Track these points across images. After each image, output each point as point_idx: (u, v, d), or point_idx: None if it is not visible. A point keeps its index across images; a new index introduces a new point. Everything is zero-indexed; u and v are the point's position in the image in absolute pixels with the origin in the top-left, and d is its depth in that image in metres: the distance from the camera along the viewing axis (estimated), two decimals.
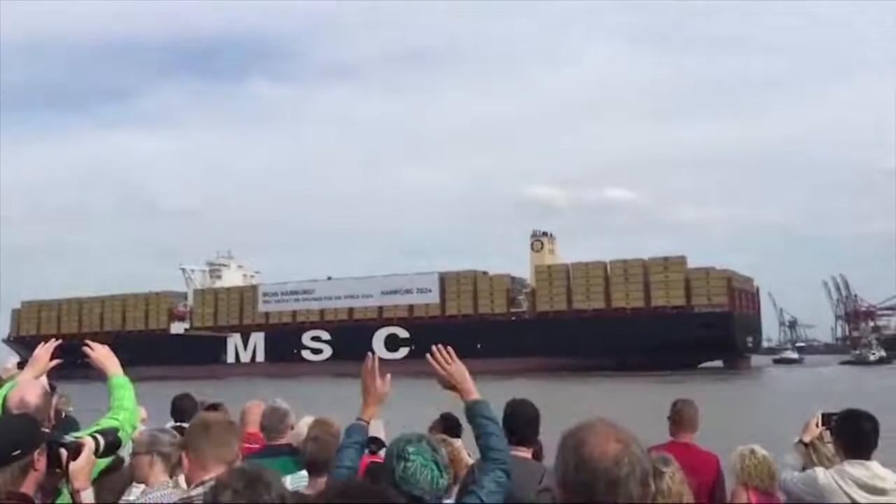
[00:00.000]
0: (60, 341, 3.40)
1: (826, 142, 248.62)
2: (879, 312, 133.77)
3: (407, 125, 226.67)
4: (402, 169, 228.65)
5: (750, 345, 74.97)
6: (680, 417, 4.59)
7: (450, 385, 2.74)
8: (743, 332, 70.89)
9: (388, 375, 2.93)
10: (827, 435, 3.75)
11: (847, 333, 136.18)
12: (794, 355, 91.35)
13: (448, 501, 2.57)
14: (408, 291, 77.77)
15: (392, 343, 76.16)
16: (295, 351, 78.29)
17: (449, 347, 2.80)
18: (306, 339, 79.49)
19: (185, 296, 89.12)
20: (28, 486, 2.21)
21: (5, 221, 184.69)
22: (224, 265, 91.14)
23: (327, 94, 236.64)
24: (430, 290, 77.13)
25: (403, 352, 75.15)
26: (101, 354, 3.10)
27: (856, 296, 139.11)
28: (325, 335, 78.85)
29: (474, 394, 2.74)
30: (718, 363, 66.06)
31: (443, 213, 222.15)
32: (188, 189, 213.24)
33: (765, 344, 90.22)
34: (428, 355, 2.80)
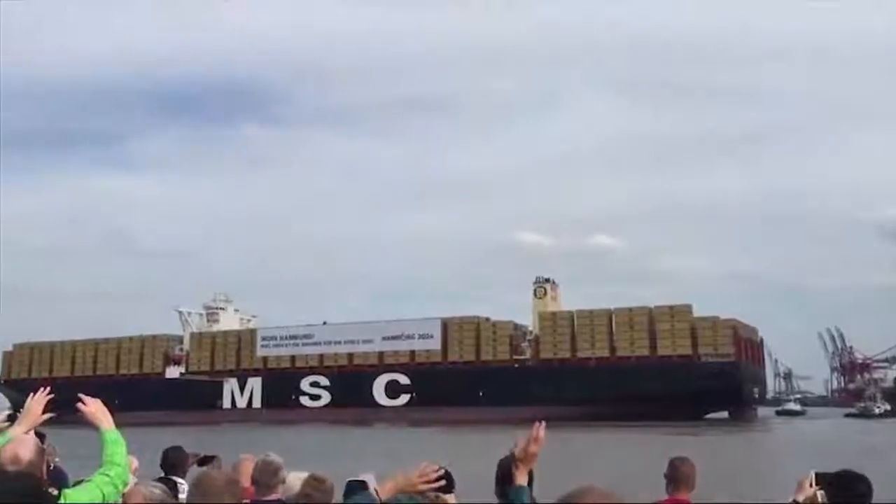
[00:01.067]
0: (52, 394, 3.42)
1: (818, 194, 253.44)
2: (875, 365, 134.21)
3: (398, 171, 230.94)
4: (393, 214, 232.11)
5: (756, 395, 74.28)
6: (677, 475, 4.58)
7: (520, 458, 2.86)
8: (749, 382, 70.31)
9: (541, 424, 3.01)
10: (821, 495, 3.72)
11: (843, 386, 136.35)
12: (797, 407, 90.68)
13: None
14: (409, 337, 77.39)
15: (392, 390, 75.44)
16: (293, 397, 77.51)
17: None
18: (305, 384, 78.80)
19: (181, 339, 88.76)
20: None
21: None
22: (221, 308, 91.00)
23: (318, 139, 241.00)
24: (431, 336, 76.75)
25: (404, 398, 74.45)
26: (95, 409, 3.12)
27: (851, 348, 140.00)
28: (325, 381, 78.20)
29: (524, 481, 2.90)
30: (724, 414, 65.21)
31: (430, 259, 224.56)
32: (177, 233, 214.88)
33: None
34: (538, 426, 2.95)
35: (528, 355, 74.08)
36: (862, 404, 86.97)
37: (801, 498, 3.78)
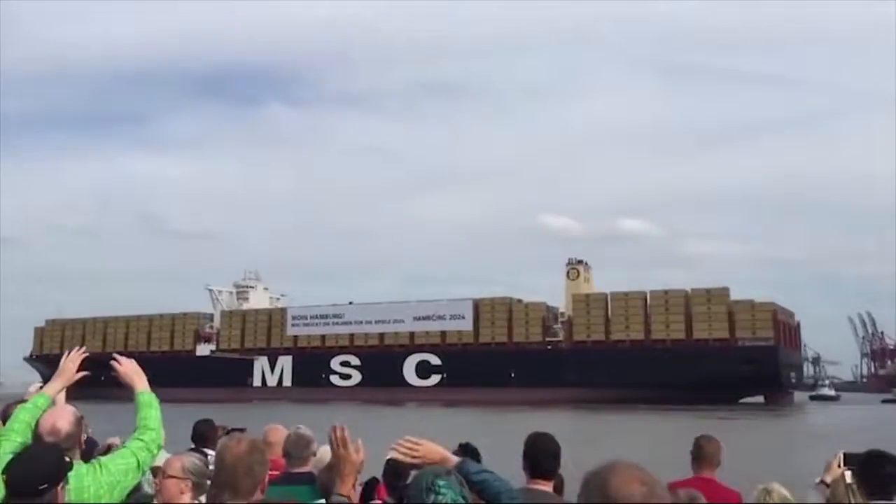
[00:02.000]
0: (87, 352, 3.41)
1: (851, 180, 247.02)
2: None
3: (425, 155, 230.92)
4: (420, 198, 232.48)
5: (793, 380, 73.16)
6: (702, 453, 4.65)
7: (428, 465, 2.73)
8: (787, 367, 69.19)
9: (360, 440, 2.90)
10: (849, 475, 3.75)
11: (873, 371, 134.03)
12: (832, 392, 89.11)
13: None
14: (440, 318, 77.72)
15: (423, 370, 76.01)
16: (323, 376, 78.60)
17: (407, 437, 2.79)
18: (335, 363, 79.82)
19: (211, 317, 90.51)
20: None
21: (22, 244, 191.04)
22: (251, 287, 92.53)
23: (344, 122, 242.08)
24: (463, 317, 76.95)
25: (435, 379, 74.98)
26: (130, 369, 3.11)
27: (882, 333, 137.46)
28: (355, 360, 79.10)
29: (453, 459, 2.77)
30: (760, 399, 64.34)
31: (456, 243, 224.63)
32: (207, 214, 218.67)
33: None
34: (391, 450, 2.78)
35: (560, 337, 73.86)
36: None
37: (828, 478, 3.85)
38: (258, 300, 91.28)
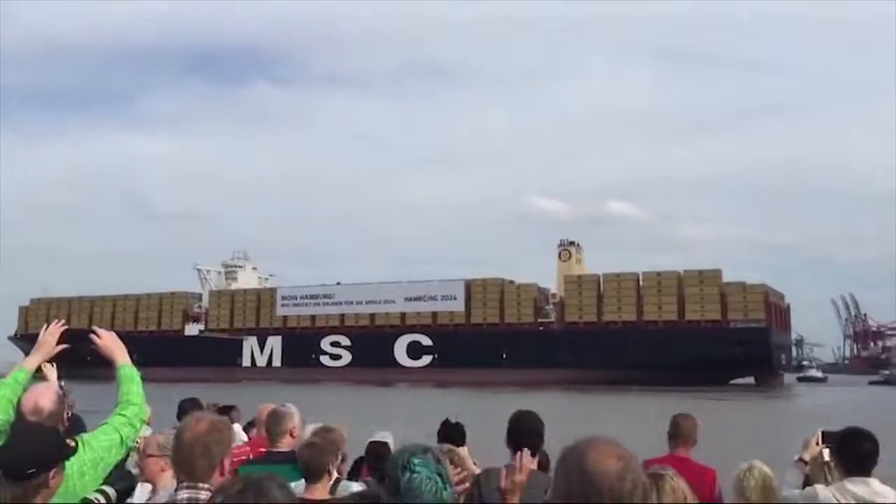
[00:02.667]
0: (66, 325, 3.38)
1: (839, 165, 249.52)
2: (889, 332, 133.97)
3: (415, 137, 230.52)
4: (410, 179, 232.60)
5: (783, 362, 73.93)
6: (678, 431, 4.72)
7: (508, 490, 2.86)
8: (778, 349, 69.91)
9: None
10: (827, 453, 3.87)
11: (856, 353, 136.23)
12: (819, 374, 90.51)
13: None
14: (432, 298, 77.83)
15: (414, 351, 76.28)
16: (313, 356, 78.77)
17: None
18: (325, 344, 79.97)
19: (199, 297, 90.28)
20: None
21: (5, 223, 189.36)
22: (240, 266, 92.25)
23: (332, 101, 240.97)
24: (454, 298, 77.10)
25: (426, 360, 75.29)
26: (110, 342, 3.07)
27: (865, 315, 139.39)
28: (346, 341, 79.25)
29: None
30: (750, 380, 65.06)
31: (445, 225, 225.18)
32: (192, 194, 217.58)
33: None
34: (520, 455, 2.91)
35: (552, 318, 74.21)
36: (887, 371, 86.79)
37: (807, 456, 3.97)
38: (247, 280, 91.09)
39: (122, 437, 2.83)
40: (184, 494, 2.37)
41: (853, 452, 3.70)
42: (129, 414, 2.90)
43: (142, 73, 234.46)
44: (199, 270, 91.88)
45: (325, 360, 79.18)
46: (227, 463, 2.50)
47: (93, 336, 3.05)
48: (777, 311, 71.11)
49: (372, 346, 75.89)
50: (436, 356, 74.51)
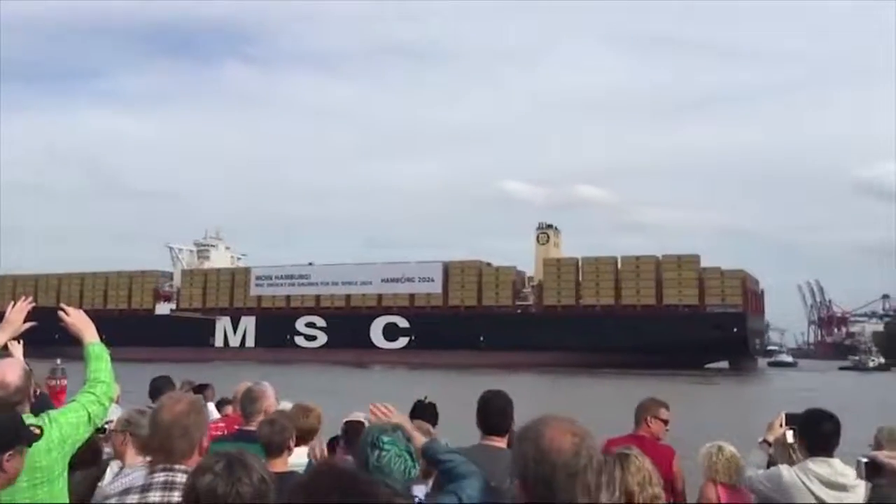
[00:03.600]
0: (34, 303, 3.35)
1: (804, 152, 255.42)
2: (853, 319, 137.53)
3: (388, 119, 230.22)
4: (382, 161, 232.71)
5: (758, 347, 75.44)
6: (638, 412, 4.88)
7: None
8: (753, 333, 71.31)
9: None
10: (790, 435, 3.98)
11: (820, 338, 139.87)
12: (789, 359, 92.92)
13: (419, 490, 2.70)
14: (409, 280, 77.89)
15: (391, 332, 76.40)
16: (288, 337, 78.55)
17: (385, 404, 2.96)
18: (300, 325, 79.76)
19: (171, 276, 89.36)
20: None
21: None
22: (212, 245, 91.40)
23: (304, 81, 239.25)
24: (432, 280, 77.23)
25: (403, 342, 75.48)
26: (78, 319, 3.06)
27: (830, 301, 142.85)
28: (321, 322, 79.10)
29: (421, 438, 2.86)
30: (724, 364, 66.34)
31: (415, 206, 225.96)
32: (162, 172, 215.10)
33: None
34: (371, 407, 2.94)
35: (530, 301, 74.71)
36: (856, 357, 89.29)
37: (770, 437, 4.08)
38: (219, 259, 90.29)
39: (90, 415, 2.82)
40: (160, 476, 2.36)
41: (816, 433, 3.80)
42: (98, 392, 2.88)
43: (111, 49, 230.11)
44: (170, 249, 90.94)
45: (299, 340, 79.01)
46: (205, 443, 2.50)
47: (61, 313, 3.02)
48: (752, 297, 72.41)
49: (348, 327, 75.85)
50: (412, 338, 74.72)
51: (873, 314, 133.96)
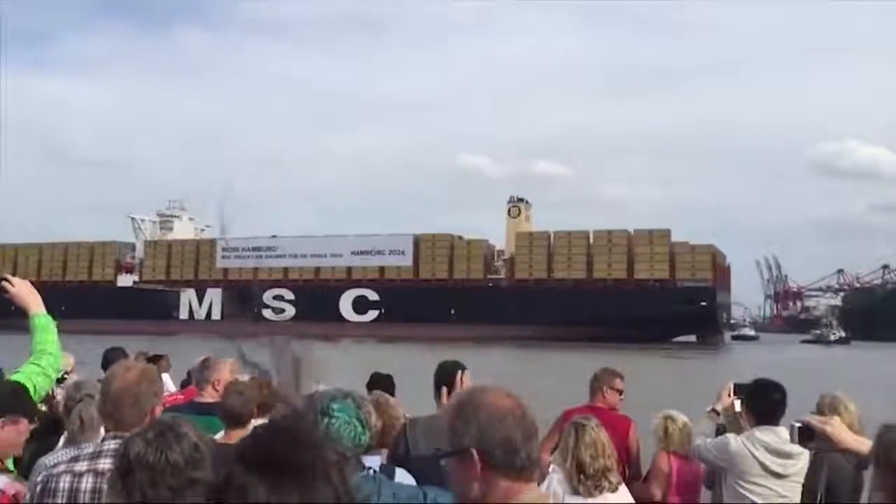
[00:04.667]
0: None
1: (760, 128, 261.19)
2: (808, 293, 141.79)
3: (341, 89, 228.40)
4: (337, 132, 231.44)
5: (724, 321, 77.20)
6: (593, 383, 5.00)
7: None
8: (721, 307, 72.94)
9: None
10: (738, 404, 4.12)
11: (776, 312, 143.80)
12: (752, 332, 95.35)
13: (373, 461, 2.71)
14: (379, 252, 77.75)
15: (361, 305, 76.41)
16: (255, 310, 78.07)
17: None
18: (268, 297, 79.25)
19: (133, 247, 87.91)
20: None
21: None
22: (176, 216, 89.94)
23: (257, 50, 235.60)
24: (403, 253, 77.20)
25: (373, 314, 75.59)
26: (23, 290, 3.01)
27: (786, 276, 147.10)
28: (289, 294, 78.71)
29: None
30: (692, 338, 67.77)
31: (374, 180, 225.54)
32: (112, 140, 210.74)
33: None
34: None
35: (502, 275, 75.17)
36: (818, 331, 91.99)
37: (719, 407, 4.23)
38: (183, 230, 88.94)
39: (34, 387, 2.79)
40: (111, 444, 2.37)
41: (763, 402, 3.94)
42: (44, 364, 2.87)
43: (56, 11, 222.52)
44: (132, 219, 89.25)
45: (267, 313, 78.53)
46: (158, 412, 2.51)
47: (5, 284, 2.99)
48: (721, 271, 73.93)
49: (316, 299, 75.63)
50: (383, 311, 74.85)
51: (828, 288, 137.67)
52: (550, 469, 3.76)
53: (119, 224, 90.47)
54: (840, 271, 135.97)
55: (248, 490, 1.13)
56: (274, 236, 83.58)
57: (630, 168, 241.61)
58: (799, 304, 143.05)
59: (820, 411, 4.06)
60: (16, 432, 2.61)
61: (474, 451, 1.69)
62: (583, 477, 3.51)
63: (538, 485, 1.99)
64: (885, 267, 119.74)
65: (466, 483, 1.72)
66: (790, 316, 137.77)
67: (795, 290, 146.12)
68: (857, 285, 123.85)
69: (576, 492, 3.51)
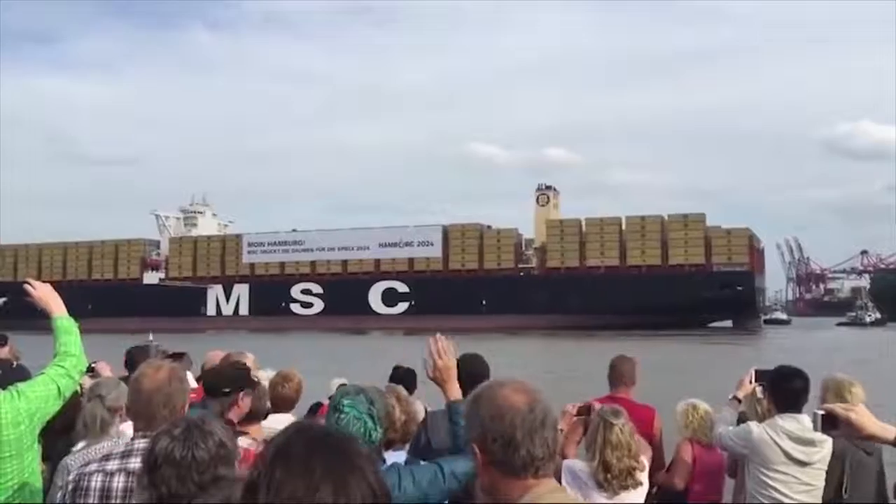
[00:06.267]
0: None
1: (771, 112, 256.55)
2: (830, 275, 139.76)
3: (352, 82, 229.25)
4: (347, 124, 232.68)
5: (760, 305, 76.52)
6: (613, 374, 4.98)
7: (436, 378, 2.88)
8: (759, 291, 72.31)
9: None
10: (759, 391, 4.16)
11: (799, 296, 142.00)
12: (784, 316, 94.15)
13: (397, 456, 2.83)
14: (408, 244, 78.03)
15: (390, 298, 76.81)
16: (283, 304, 78.96)
17: (446, 340, 2.90)
18: (295, 292, 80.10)
19: (157, 244, 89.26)
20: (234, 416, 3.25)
21: None
22: (199, 212, 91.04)
23: (268, 45, 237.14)
24: (431, 244, 77.36)
25: (402, 307, 75.94)
26: (44, 293, 3.10)
27: (808, 259, 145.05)
28: (317, 288, 79.43)
29: (457, 394, 2.88)
30: (728, 323, 66.97)
31: (383, 171, 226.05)
32: (123, 138, 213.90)
33: None
34: (429, 339, 2.89)
35: (533, 264, 74.98)
36: (853, 313, 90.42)
37: (741, 394, 4.28)
38: (207, 226, 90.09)
39: (59, 388, 2.88)
40: (141, 443, 2.44)
41: (785, 389, 3.93)
42: (68, 365, 2.95)
43: (65, 11, 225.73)
44: (157, 216, 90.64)
45: (295, 308, 79.43)
46: (185, 411, 2.59)
47: (27, 287, 3.08)
48: (756, 255, 73.06)
49: (345, 293, 76.20)
50: (412, 303, 75.13)
51: (853, 270, 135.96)
52: (570, 461, 3.79)
53: (140, 223, 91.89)
54: (864, 252, 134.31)
55: (282, 487, 1.13)
56: (294, 230, 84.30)
57: (640, 154, 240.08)
58: (822, 286, 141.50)
59: (824, 395, 4.03)
60: (250, 403, 3.35)
61: (475, 446, 1.76)
62: (609, 476, 3.62)
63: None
64: None
65: (480, 472, 1.79)
66: (813, 299, 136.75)
67: (818, 272, 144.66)
68: (882, 266, 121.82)
69: (600, 487, 3.61)
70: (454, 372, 2.87)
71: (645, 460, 3.80)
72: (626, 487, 3.61)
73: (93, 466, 2.44)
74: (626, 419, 3.75)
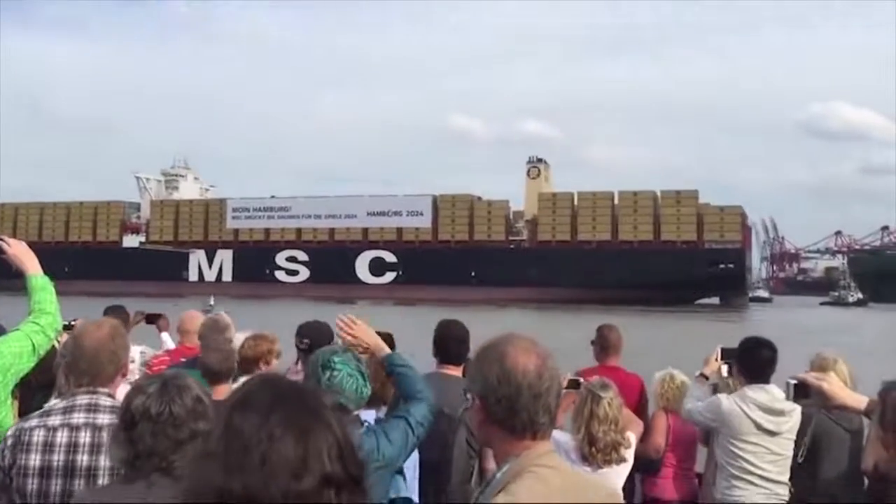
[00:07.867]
0: None
1: (747, 91, 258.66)
2: (804, 255, 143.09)
3: (331, 51, 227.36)
4: (325, 94, 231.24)
5: (748, 282, 78.00)
6: (605, 343, 5.05)
7: (360, 349, 3.00)
8: (748, 269, 73.37)
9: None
10: (724, 369, 4.26)
11: (772, 274, 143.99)
12: (766, 294, 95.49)
13: (368, 415, 2.90)
14: (396, 213, 77.89)
15: (377, 267, 76.85)
16: (267, 271, 78.83)
17: (349, 315, 3.09)
18: (280, 259, 79.93)
19: (138, 207, 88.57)
20: None
21: None
22: (181, 175, 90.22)
23: (243, 11, 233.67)
24: (421, 214, 77.27)
25: (390, 276, 76.07)
26: (19, 251, 3.13)
27: (783, 238, 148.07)
28: (303, 256, 79.30)
29: (385, 349, 3.05)
30: (715, 300, 67.75)
31: (360, 141, 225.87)
32: (95, 102, 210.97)
33: None
34: (337, 320, 3.06)
35: (524, 236, 75.16)
36: (836, 293, 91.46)
37: (707, 371, 4.37)
38: (188, 190, 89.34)
39: (34, 345, 2.91)
40: (83, 399, 2.48)
41: (752, 360, 4.03)
42: (43, 322, 2.98)
43: None
44: (137, 178, 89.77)
45: (280, 275, 79.32)
46: (127, 366, 2.67)
47: (1, 244, 3.10)
48: (747, 233, 74.10)
49: (332, 261, 76.13)
50: (400, 273, 75.25)
51: (827, 250, 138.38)
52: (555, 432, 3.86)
53: (117, 185, 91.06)
54: (838, 233, 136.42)
55: (246, 434, 1.13)
56: (273, 197, 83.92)
57: (619, 130, 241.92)
58: (796, 266, 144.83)
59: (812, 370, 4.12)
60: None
61: (477, 399, 1.77)
62: (594, 450, 3.68)
63: None
64: (885, 228, 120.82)
65: (477, 423, 1.82)
66: (787, 277, 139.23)
67: (793, 252, 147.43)
68: (857, 247, 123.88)
69: (584, 461, 3.68)
70: (371, 335, 3.04)
71: (633, 437, 3.86)
72: (609, 462, 3.66)
73: (33, 422, 2.47)
74: (616, 393, 3.80)
